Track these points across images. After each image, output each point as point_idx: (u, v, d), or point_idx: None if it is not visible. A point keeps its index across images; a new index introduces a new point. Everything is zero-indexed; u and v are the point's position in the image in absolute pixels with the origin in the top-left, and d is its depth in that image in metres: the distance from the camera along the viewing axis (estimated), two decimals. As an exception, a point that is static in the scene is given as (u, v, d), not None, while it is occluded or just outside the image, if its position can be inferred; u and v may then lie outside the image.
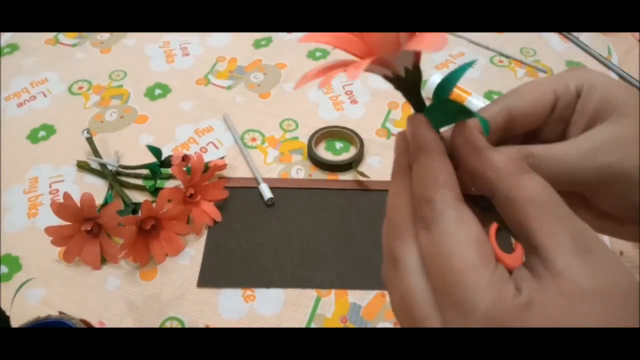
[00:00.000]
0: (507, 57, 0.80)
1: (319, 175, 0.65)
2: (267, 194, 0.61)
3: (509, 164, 0.22)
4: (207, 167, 0.59)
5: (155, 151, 0.61)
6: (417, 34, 0.22)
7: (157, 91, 0.76)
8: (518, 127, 0.26)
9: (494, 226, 0.54)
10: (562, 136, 0.26)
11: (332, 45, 0.25)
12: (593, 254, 0.20)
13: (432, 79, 0.71)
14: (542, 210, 0.20)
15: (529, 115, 0.26)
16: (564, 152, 0.24)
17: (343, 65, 0.23)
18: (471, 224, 0.21)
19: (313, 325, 0.52)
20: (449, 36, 0.84)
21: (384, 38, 0.23)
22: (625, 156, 0.23)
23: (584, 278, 0.19)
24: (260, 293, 0.54)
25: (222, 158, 0.65)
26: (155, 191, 0.61)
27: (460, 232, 0.21)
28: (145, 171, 0.63)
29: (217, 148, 0.68)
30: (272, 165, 0.66)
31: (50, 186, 0.64)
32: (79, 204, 0.53)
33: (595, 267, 0.20)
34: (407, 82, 0.24)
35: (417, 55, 0.24)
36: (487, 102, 0.68)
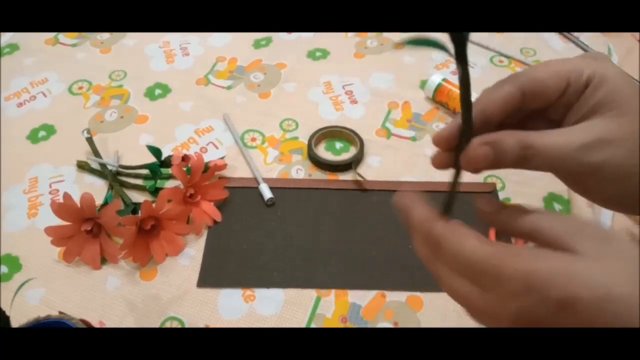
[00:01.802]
0: (507, 57, 0.80)
1: (319, 175, 0.65)
2: (267, 194, 0.61)
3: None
4: (207, 167, 0.59)
5: (155, 151, 0.61)
6: None
7: (157, 91, 0.76)
8: (527, 107, 0.28)
9: (492, 230, 0.54)
10: (562, 118, 0.28)
11: None
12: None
13: (432, 78, 0.71)
14: None
15: (540, 98, 0.27)
16: (559, 146, 0.25)
17: None
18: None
19: (313, 325, 0.52)
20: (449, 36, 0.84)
21: None
22: (614, 154, 0.25)
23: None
24: (260, 293, 0.54)
25: (222, 158, 0.65)
26: (155, 191, 0.61)
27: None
28: (145, 171, 0.63)
29: (217, 148, 0.68)
30: (272, 165, 0.66)
31: (50, 186, 0.64)
32: (79, 204, 0.53)
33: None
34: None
35: None
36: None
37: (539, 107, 0.28)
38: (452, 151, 0.28)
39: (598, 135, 0.25)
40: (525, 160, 0.26)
